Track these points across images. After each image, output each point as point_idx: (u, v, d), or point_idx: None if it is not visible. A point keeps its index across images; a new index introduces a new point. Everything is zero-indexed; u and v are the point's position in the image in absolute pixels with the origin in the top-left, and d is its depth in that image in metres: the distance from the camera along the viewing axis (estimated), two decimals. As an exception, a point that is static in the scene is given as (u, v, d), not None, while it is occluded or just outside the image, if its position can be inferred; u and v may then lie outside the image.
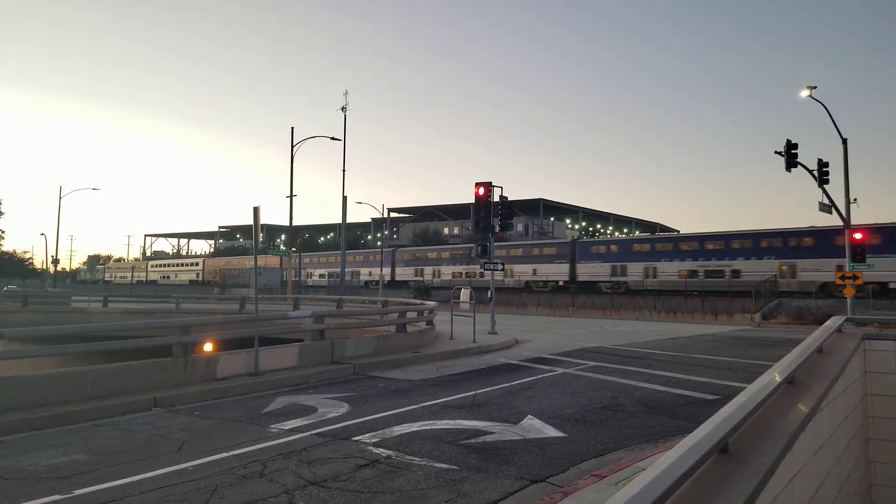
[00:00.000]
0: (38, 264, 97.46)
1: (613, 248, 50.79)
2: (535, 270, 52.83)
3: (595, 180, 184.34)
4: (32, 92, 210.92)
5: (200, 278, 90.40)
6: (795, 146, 24.37)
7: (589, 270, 50.73)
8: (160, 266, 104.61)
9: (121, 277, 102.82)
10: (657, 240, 51.18)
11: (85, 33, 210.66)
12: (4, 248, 74.36)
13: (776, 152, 24.61)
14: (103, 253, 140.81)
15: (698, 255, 45.18)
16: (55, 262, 65.31)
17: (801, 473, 3.54)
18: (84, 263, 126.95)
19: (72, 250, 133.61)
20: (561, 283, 52.37)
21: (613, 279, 48.67)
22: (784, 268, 40.90)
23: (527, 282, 54.61)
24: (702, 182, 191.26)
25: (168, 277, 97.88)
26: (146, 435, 8.18)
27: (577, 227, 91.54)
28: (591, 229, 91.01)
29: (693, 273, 44.63)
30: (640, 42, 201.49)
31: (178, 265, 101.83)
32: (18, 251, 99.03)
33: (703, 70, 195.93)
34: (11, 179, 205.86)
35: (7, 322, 32.39)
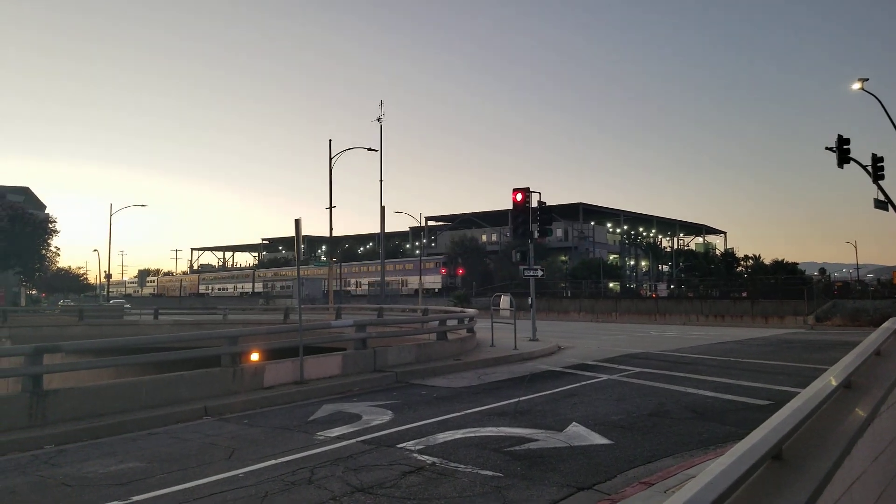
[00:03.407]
0: (91, 279, 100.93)
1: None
2: (420, 279, 62.09)
3: (638, 183, 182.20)
4: (82, 115, 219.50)
5: (251, 290, 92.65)
6: (847, 141, 23.60)
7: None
8: (219, 278, 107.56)
9: (220, 289, 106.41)
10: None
11: (129, 53, 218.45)
12: (60, 265, 77.20)
13: (827, 148, 23.88)
14: (152, 267, 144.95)
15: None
16: (108, 276, 67.54)
17: (861, 480, 3.43)
18: (135, 277, 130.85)
19: (123, 265, 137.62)
20: (436, 290, 67.32)
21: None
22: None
23: (415, 289, 63.97)
24: (749, 182, 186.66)
25: (226, 289, 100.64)
26: (198, 443, 8.39)
27: (618, 230, 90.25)
28: (633, 233, 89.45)
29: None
30: (681, 43, 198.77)
31: (231, 277, 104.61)
32: (73, 267, 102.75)
33: (750, 70, 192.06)
34: (66, 198, 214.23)
35: (64, 335, 33.61)
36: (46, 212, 59.19)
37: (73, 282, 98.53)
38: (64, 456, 7.86)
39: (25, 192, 67.22)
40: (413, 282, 67.05)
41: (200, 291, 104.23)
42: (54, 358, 12.80)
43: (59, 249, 57.04)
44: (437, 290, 68.80)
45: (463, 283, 65.68)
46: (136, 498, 6.08)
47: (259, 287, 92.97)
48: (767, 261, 64.24)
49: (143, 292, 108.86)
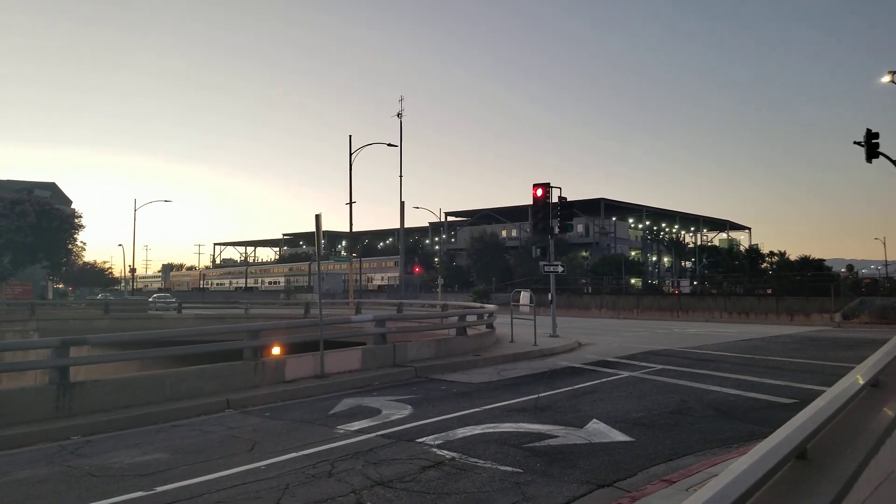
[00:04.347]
0: (116, 273, 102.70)
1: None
2: (382, 277, 67.92)
3: (660, 179, 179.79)
4: (109, 113, 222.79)
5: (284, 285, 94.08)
6: (876, 135, 23.13)
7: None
8: (259, 271, 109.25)
9: (217, 284, 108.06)
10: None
11: (155, 47, 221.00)
12: (86, 259, 78.58)
13: (855, 143, 23.42)
14: (175, 261, 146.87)
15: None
16: (132, 271, 68.66)
17: (890, 480, 3.37)
18: (159, 272, 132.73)
19: (147, 260, 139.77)
20: (395, 285, 71.13)
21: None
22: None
23: (379, 285, 78.38)
24: (775, 177, 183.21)
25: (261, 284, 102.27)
26: (221, 435, 8.50)
27: (640, 226, 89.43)
28: (655, 228, 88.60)
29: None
30: (705, 37, 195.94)
31: (252, 272, 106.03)
32: (98, 261, 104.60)
33: (777, 62, 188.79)
34: (91, 193, 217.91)
35: (90, 328, 34.29)
36: (72, 207, 60.26)
37: (98, 276, 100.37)
38: (90, 446, 8.02)
39: (52, 187, 68.44)
40: (376, 278, 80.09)
41: (225, 286, 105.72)
42: (80, 350, 13.02)
43: (84, 244, 58.15)
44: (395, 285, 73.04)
45: (479, 278, 65.57)
46: (160, 488, 6.18)
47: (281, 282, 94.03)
48: (793, 257, 63.31)
49: (166, 285, 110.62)
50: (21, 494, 6.18)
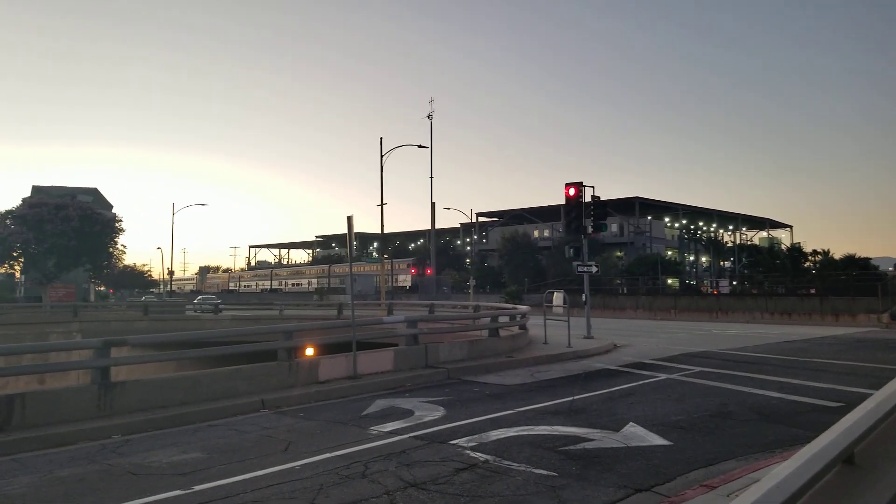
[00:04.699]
0: (155, 276, 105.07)
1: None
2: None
3: (697, 176, 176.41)
4: (147, 117, 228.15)
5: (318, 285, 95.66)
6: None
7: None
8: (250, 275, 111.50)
9: (245, 286, 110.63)
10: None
11: (184, 56, 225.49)
12: (126, 262, 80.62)
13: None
14: (212, 263, 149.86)
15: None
16: (170, 273, 70.21)
17: (943, 488, 3.21)
18: (195, 274, 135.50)
19: (185, 262, 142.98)
20: (407, 287, 73.48)
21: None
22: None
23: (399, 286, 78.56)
24: (819, 172, 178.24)
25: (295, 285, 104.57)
26: (256, 435, 8.59)
27: (676, 225, 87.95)
28: (692, 227, 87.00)
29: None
30: (741, 33, 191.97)
31: (290, 274, 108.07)
32: (138, 264, 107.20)
33: (812, 54, 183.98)
34: (130, 197, 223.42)
35: (131, 330, 35.18)
36: (113, 211, 61.91)
37: (138, 278, 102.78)
38: (130, 445, 8.18)
39: (94, 192, 70.53)
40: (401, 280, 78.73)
41: (275, 287, 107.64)
42: (121, 351, 13.32)
43: (125, 247, 59.59)
44: (407, 287, 74.11)
45: (511, 279, 65.30)
46: (197, 487, 6.26)
47: (314, 283, 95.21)
48: (838, 255, 61.52)
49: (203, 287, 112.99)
50: (64, 492, 6.33)
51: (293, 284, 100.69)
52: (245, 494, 6.01)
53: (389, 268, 45.71)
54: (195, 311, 46.31)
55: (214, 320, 40.65)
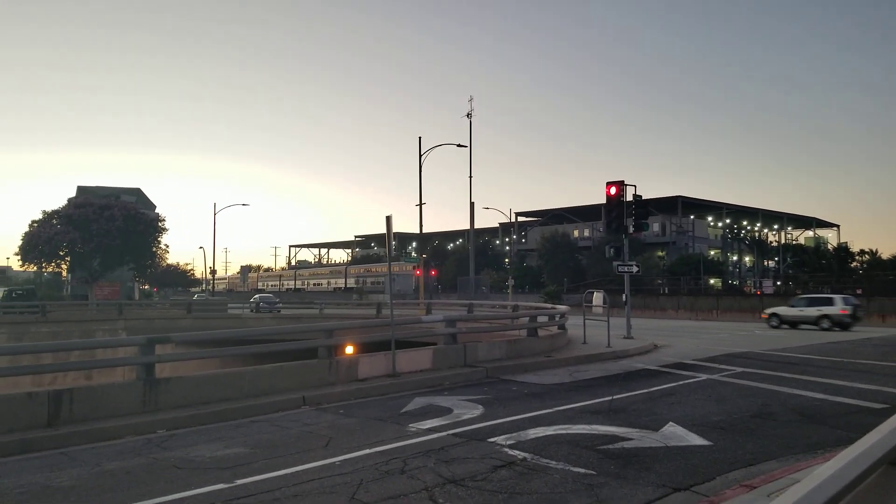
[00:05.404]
0: (198, 275, 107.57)
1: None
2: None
3: (741, 175, 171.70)
4: (189, 118, 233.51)
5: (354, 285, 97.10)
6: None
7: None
8: (315, 274, 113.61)
9: (315, 285, 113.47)
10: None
11: (222, 62, 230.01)
12: (169, 261, 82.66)
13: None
14: (253, 262, 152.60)
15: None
16: (213, 272, 71.76)
17: None
18: (237, 273, 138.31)
19: (226, 262, 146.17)
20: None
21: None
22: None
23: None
24: (867, 170, 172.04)
25: (321, 284, 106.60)
26: (297, 431, 8.76)
27: (719, 224, 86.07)
28: (735, 227, 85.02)
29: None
30: (784, 31, 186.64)
31: (328, 273, 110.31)
32: (181, 263, 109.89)
33: (858, 55, 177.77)
34: (173, 197, 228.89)
35: (174, 327, 36.10)
36: (156, 211, 63.52)
37: (180, 277, 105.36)
38: (174, 440, 8.42)
39: (137, 192, 72.38)
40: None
41: (297, 287, 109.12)
42: (165, 348, 13.72)
43: (168, 246, 60.99)
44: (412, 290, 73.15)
45: (550, 279, 64.87)
46: (240, 481, 6.42)
47: (351, 283, 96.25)
48: (886, 255, 59.51)
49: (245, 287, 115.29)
50: (111, 484, 6.56)
51: (314, 284, 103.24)
52: (286, 489, 6.14)
53: (421, 271, 45.66)
54: (251, 311, 46.56)
55: (256, 318, 41.40)
